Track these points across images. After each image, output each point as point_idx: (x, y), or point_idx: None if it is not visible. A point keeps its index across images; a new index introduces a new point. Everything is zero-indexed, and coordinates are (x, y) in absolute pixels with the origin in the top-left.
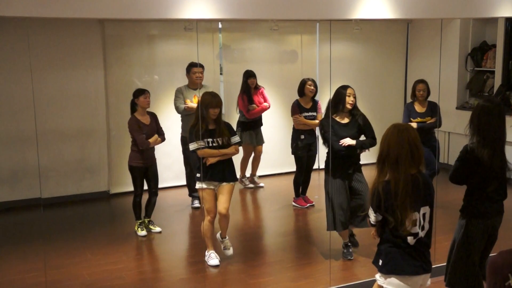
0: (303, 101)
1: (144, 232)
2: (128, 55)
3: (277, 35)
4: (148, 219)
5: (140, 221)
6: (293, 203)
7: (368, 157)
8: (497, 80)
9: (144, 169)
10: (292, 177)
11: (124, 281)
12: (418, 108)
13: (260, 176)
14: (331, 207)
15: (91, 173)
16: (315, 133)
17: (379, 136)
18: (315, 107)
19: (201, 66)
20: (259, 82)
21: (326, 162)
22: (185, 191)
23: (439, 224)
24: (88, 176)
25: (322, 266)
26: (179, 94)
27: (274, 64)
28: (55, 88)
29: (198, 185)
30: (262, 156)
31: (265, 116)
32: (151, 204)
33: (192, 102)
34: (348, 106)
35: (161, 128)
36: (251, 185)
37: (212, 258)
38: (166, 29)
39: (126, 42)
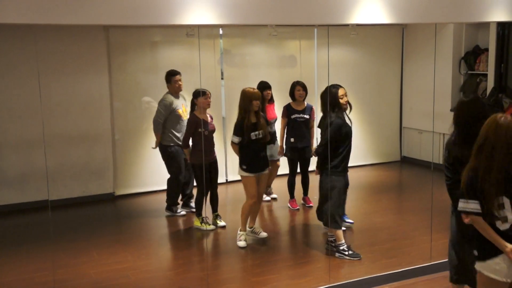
0: (294, 104)
1: (212, 226)
2: (132, 60)
3: (276, 40)
4: (216, 213)
5: (202, 217)
6: (288, 204)
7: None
8: (490, 83)
9: (205, 166)
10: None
11: (129, 280)
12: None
13: None
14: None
15: (96, 176)
16: (308, 137)
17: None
18: (308, 110)
19: (179, 73)
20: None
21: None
22: None
23: (435, 222)
24: (93, 178)
25: (322, 264)
26: (168, 108)
27: (274, 68)
28: (61, 93)
29: (243, 173)
30: None
31: None
32: (214, 199)
33: (183, 111)
34: (344, 107)
35: None
36: (267, 198)
37: (241, 241)
38: (168, 35)
39: (130, 48)
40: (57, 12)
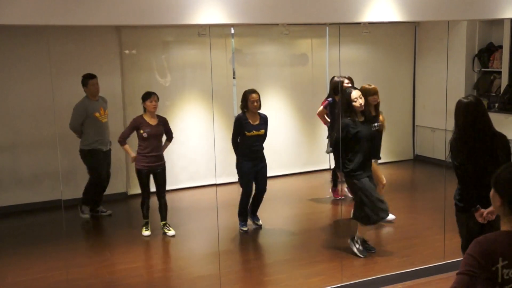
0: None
1: (147, 232)
2: (144, 60)
3: (288, 39)
4: (164, 222)
5: (146, 220)
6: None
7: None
8: (504, 80)
9: (150, 172)
10: (303, 177)
11: (142, 279)
12: (252, 120)
13: (274, 177)
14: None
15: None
16: None
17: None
18: None
19: (95, 76)
20: (272, 86)
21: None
22: (199, 191)
23: (448, 221)
24: None
25: (334, 263)
26: (82, 112)
27: (285, 67)
28: (74, 93)
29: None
30: (274, 157)
31: (277, 118)
32: (162, 208)
33: (101, 114)
34: (358, 109)
35: (170, 130)
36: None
37: None
38: (180, 35)
39: (142, 48)
40: (69, 13)
